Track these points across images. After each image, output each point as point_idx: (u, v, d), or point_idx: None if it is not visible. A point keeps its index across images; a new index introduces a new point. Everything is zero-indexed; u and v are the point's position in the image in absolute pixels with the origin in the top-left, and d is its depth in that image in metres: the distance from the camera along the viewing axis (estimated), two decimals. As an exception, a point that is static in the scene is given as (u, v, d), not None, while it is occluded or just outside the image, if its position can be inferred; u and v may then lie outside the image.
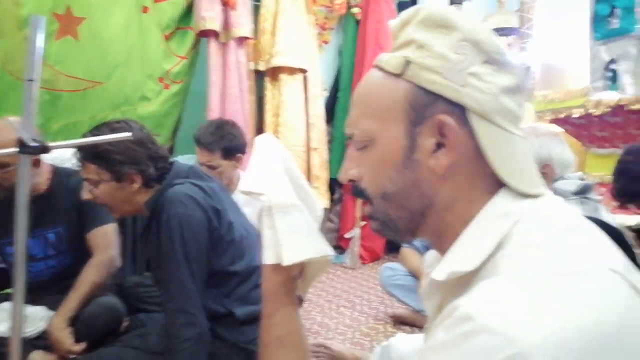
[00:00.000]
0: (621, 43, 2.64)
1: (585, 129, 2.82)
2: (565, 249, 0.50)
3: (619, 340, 0.43)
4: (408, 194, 0.59)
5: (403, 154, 0.58)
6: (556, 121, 2.93)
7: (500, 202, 0.56)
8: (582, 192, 1.40)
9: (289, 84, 3.48)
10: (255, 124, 3.52)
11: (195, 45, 3.21)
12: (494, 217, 0.55)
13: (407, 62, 0.57)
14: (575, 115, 2.75)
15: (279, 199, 0.76)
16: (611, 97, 2.60)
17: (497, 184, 0.57)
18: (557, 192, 1.38)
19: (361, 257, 3.85)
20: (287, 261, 0.71)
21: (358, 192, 0.64)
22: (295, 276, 0.77)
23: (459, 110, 0.56)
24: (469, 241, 0.55)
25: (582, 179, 1.45)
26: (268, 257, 0.73)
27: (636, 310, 0.46)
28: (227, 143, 2.06)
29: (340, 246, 4.02)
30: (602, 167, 2.54)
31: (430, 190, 0.58)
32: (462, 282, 0.52)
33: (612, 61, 2.69)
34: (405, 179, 0.59)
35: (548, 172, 1.41)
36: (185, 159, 2.12)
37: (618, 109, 2.55)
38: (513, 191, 0.56)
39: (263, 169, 0.80)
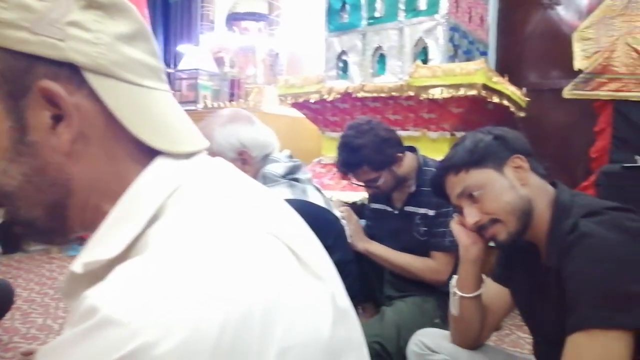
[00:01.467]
0: (350, 36, 2.90)
1: (320, 113, 3.04)
2: (224, 215, 0.45)
3: (267, 323, 0.39)
4: (36, 187, 0.47)
5: (11, 138, 0.46)
6: (296, 105, 3.09)
7: (155, 170, 0.48)
8: (291, 173, 1.43)
9: None
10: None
11: None
12: (147, 189, 0.47)
13: None
14: (312, 101, 2.94)
15: None
16: (341, 85, 2.85)
17: (150, 151, 0.48)
18: (266, 176, 1.39)
19: (104, 246, 3.50)
20: None
21: None
22: None
23: (69, 70, 0.46)
24: (115, 222, 0.46)
25: (291, 158, 1.49)
26: None
27: (293, 280, 0.44)
28: None
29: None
30: (335, 149, 2.77)
31: (63, 175, 0.47)
32: (109, 270, 0.42)
33: (344, 52, 2.94)
34: (25, 169, 0.47)
35: (247, 158, 1.40)
36: None
37: (346, 96, 2.81)
38: (170, 155, 0.49)
39: None
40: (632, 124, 2.41)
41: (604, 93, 2.47)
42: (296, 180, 1.42)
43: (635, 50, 2.38)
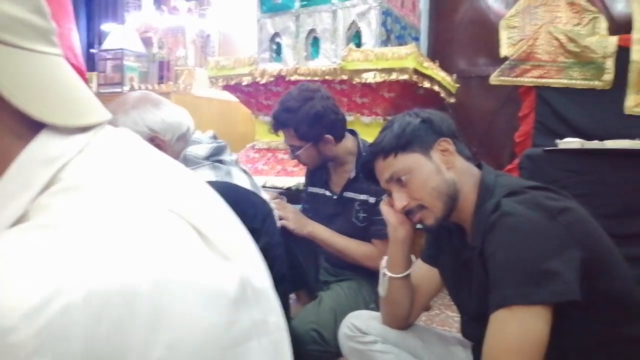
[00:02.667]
0: (283, 18, 2.83)
1: (253, 96, 2.96)
2: (116, 189, 0.40)
3: (156, 305, 0.34)
4: None
5: None
6: (227, 88, 3.00)
7: (40, 146, 0.42)
8: (215, 155, 1.38)
9: None
10: None
11: None
12: (31, 166, 0.41)
13: None
14: (244, 83, 2.86)
15: None
16: (274, 67, 2.78)
17: (37, 125, 0.42)
18: (188, 159, 1.32)
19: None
20: None
21: None
22: None
23: None
24: None
25: (215, 138, 1.43)
26: None
27: (191, 260, 0.39)
28: None
29: None
30: (269, 134, 2.71)
31: None
32: None
33: (277, 34, 2.87)
34: None
35: (160, 143, 1.31)
36: None
37: (280, 79, 2.75)
38: (59, 128, 0.43)
39: None
40: (553, 110, 2.52)
41: (527, 79, 2.56)
42: (220, 162, 1.36)
43: (556, 39, 2.49)
